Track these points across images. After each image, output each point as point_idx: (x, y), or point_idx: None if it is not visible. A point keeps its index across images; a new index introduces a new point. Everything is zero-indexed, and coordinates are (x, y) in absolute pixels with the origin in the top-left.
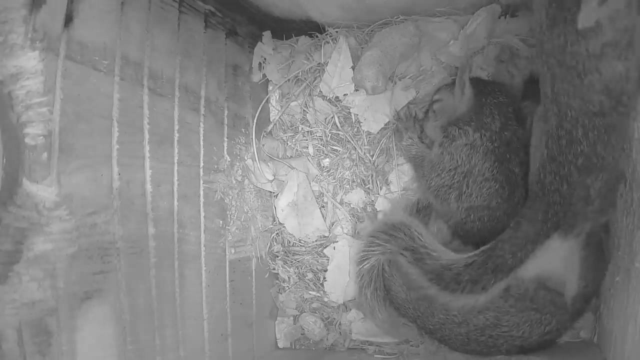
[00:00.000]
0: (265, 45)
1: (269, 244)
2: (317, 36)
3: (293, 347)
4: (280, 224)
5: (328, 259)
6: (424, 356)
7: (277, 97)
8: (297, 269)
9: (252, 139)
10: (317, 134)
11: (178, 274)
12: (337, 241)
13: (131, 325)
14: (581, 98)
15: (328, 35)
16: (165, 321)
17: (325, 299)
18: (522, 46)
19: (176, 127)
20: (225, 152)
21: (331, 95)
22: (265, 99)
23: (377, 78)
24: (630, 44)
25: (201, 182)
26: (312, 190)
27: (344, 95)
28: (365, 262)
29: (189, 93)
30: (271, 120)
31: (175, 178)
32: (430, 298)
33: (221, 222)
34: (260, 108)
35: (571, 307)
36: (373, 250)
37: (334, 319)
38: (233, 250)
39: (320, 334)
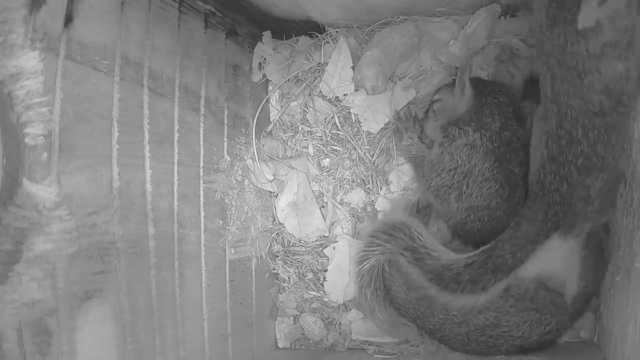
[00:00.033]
0: (265, 45)
1: (269, 244)
2: (317, 36)
3: (293, 347)
4: (280, 224)
5: (328, 259)
6: (424, 356)
7: (277, 97)
8: (297, 269)
9: (252, 139)
10: (317, 134)
11: (178, 274)
12: (337, 241)
13: (131, 325)
14: (581, 98)
15: (328, 35)
16: (165, 321)
17: (325, 299)
18: (522, 46)
19: (176, 127)
20: (225, 152)
21: (331, 95)
22: (265, 99)
23: (377, 78)
24: (630, 44)
25: (201, 182)
26: (312, 190)
27: (344, 95)
28: (365, 262)
29: (189, 93)
30: (271, 120)
31: (175, 178)
32: (430, 298)
33: (221, 222)
34: (260, 108)
35: (571, 307)
36: (373, 250)
37: (334, 319)
38: (233, 250)
39: (320, 334)
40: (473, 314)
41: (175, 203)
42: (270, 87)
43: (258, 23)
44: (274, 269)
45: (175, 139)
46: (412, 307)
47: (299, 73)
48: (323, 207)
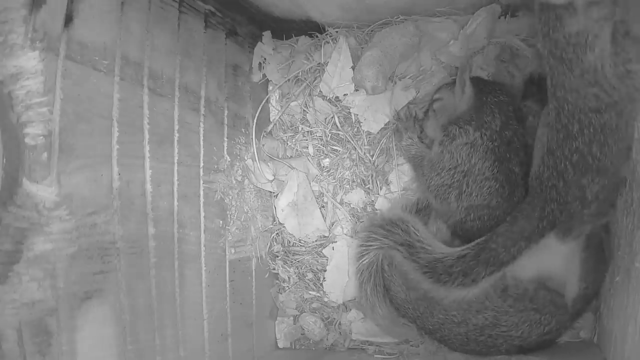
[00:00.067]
0: (265, 45)
1: (269, 244)
2: (317, 36)
3: (293, 347)
4: (280, 224)
5: (328, 259)
6: (424, 356)
7: (277, 97)
8: (297, 269)
9: (252, 139)
10: (317, 134)
11: (178, 274)
12: (336, 241)
13: (131, 325)
14: (577, 92)
15: (328, 35)
16: (165, 321)
17: (325, 299)
18: (522, 46)
19: (176, 127)
20: (225, 152)
21: (331, 95)
22: (265, 99)
23: (377, 78)
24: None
25: (201, 182)
26: (312, 190)
27: (344, 95)
28: (364, 258)
29: (189, 93)
30: (271, 120)
31: (175, 178)
32: (429, 297)
33: (221, 222)
34: (260, 108)
35: (571, 308)
36: (370, 245)
37: (334, 319)
38: (233, 250)
39: (320, 334)
40: (472, 314)
41: (175, 203)
42: (270, 87)
43: (258, 23)
44: (274, 269)
45: (175, 139)
46: (411, 307)
47: (299, 73)
48: (323, 207)
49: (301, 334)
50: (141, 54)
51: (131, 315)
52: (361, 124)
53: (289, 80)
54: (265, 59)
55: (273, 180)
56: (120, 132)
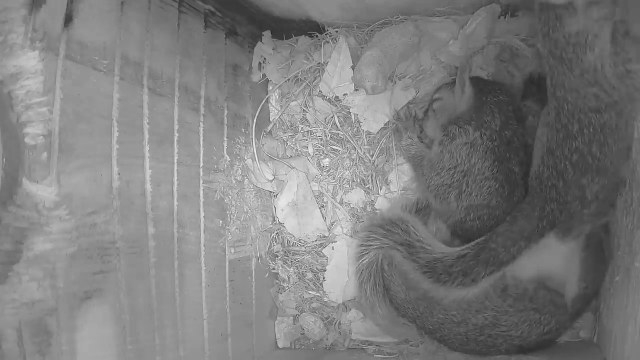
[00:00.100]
0: (265, 45)
1: (269, 244)
2: (317, 36)
3: (293, 347)
4: (280, 224)
5: (328, 259)
6: (424, 356)
7: (277, 97)
8: (297, 269)
9: (252, 139)
10: (317, 134)
11: (178, 274)
12: (336, 241)
13: (131, 325)
14: (577, 92)
15: (328, 35)
16: (165, 321)
17: (325, 299)
18: (522, 46)
19: (176, 127)
20: (225, 152)
21: (331, 95)
22: (265, 99)
23: (377, 78)
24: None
25: (201, 182)
26: (312, 190)
27: (344, 95)
28: (364, 258)
29: (189, 93)
30: (271, 120)
31: (175, 178)
32: (429, 298)
33: (221, 222)
34: (260, 108)
35: (571, 308)
36: (370, 245)
37: (334, 319)
38: (233, 250)
39: (320, 334)
40: (472, 314)
41: (175, 203)
42: (270, 87)
43: (258, 23)
44: (274, 269)
45: (175, 139)
46: (411, 308)
47: (299, 73)
48: (323, 207)
49: (301, 334)
50: (141, 54)
51: (131, 315)
52: (361, 124)
53: (289, 80)
54: (265, 59)
55: (273, 180)
56: (120, 132)
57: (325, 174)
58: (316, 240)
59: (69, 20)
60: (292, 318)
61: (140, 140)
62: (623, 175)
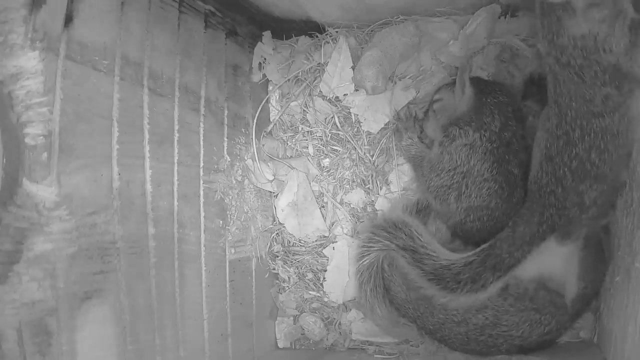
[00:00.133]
0: (265, 45)
1: (269, 244)
2: (317, 36)
3: (293, 347)
4: (280, 224)
5: (328, 259)
6: (424, 356)
7: (277, 97)
8: (297, 269)
9: (252, 139)
10: (317, 134)
11: (178, 274)
12: (336, 241)
13: (131, 325)
14: (582, 97)
15: (328, 35)
16: (165, 321)
17: (325, 299)
18: (522, 46)
19: (176, 127)
20: (225, 152)
21: (331, 95)
22: (265, 99)
23: (377, 78)
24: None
25: (201, 182)
26: (312, 190)
27: (344, 95)
28: (365, 259)
29: (189, 93)
30: (271, 120)
31: (175, 178)
32: (429, 298)
33: (221, 222)
34: (260, 108)
35: (571, 308)
36: (372, 247)
37: (334, 319)
38: (233, 250)
39: (320, 334)
40: (472, 313)
41: (175, 203)
42: (270, 87)
43: (258, 23)
44: (274, 269)
45: (175, 139)
46: (411, 307)
47: (299, 73)
48: (323, 207)
49: (301, 334)
50: (141, 54)
51: (131, 315)
52: (361, 124)
53: (289, 80)
54: (265, 59)
55: (273, 180)
56: (120, 132)
57: (325, 174)
58: (316, 240)
59: (69, 20)
60: (292, 318)
61: (140, 140)
62: (623, 179)
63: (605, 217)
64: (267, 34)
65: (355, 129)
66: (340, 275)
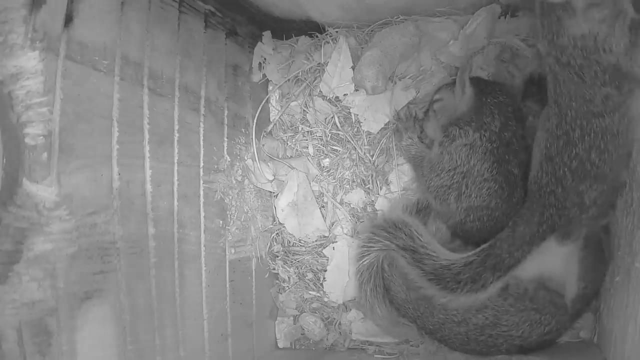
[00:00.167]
0: (265, 45)
1: (269, 244)
2: (317, 36)
3: (293, 347)
4: (280, 224)
5: (328, 259)
6: (424, 356)
7: (277, 97)
8: (297, 269)
9: (252, 139)
10: (317, 134)
11: (178, 274)
12: (336, 241)
13: (131, 325)
14: (582, 97)
15: (328, 35)
16: (165, 321)
17: (325, 299)
18: (522, 46)
19: (176, 127)
20: (225, 152)
21: (331, 95)
22: (265, 99)
23: (377, 78)
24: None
25: (201, 182)
26: (312, 190)
27: (344, 95)
28: (365, 259)
29: (189, 93)
30: (271, 120)
31: (175, 178)
32: (429, 298)
33: (221, 222)
34: (260, 108)
35: (571, 308)
36: (372, 247)
37: (334, 319)
38: (233, 250)
39: (320, 334)
40: (472, 313)
41: (175, 203)
42: (270, 87)
43: (258, 23)
44: (274, 269)
45: (175, 139)
46: (412, 307)
47: (299, 73)
48: (323, 207)
49: (301, 334)
50: (141, 54)
51: (131, 315)
52: (361, 124)
53: (289, 80)
54: (265, 59)
55: (273, 180)
56: (120, 132)
57: (325, 174)
58: (316, 240)
59: (69, 20)
60: (292, 318)
61: (140, 140)
62: (623, 179)
63: (605, 217)
64: (267, 34)
65: (355, 129)
66: (340, 275)
